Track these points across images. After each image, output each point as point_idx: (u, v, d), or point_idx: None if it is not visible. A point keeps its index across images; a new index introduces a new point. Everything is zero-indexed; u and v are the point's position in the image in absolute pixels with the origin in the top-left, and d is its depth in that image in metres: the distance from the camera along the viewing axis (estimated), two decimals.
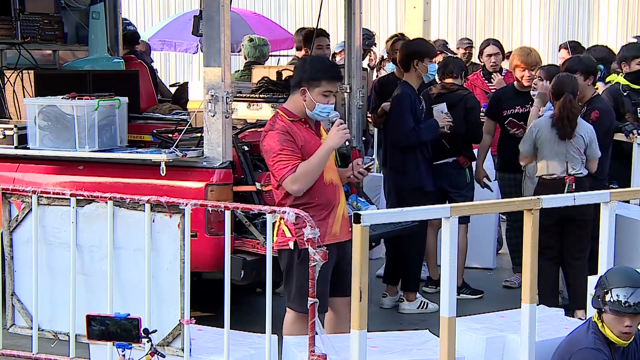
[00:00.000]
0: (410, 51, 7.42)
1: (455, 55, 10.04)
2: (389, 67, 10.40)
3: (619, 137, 7.65)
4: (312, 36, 8.69)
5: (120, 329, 4.14)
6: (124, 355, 4.18)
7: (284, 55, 15.11)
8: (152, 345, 4.32)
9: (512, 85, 8.21)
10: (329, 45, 8.97)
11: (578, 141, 6.93)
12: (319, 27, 8.66)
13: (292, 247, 5.22)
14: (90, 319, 4.18)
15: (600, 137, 7.09)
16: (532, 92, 7.65)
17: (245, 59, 9.31)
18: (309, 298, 4.71)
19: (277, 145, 5.19)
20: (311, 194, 5.25)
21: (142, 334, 4.18)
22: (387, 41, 8.87)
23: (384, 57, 10.96)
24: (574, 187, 6.85)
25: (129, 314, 4.20)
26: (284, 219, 5.10)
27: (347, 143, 5.25)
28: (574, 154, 6.93)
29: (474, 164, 7.99)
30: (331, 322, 5.49)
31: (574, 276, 7.05)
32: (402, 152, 7.37)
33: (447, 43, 12.33)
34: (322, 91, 5.27)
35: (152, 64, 11.19)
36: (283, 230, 5.26)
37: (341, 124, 5.23)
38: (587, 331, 4.52)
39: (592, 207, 6.33)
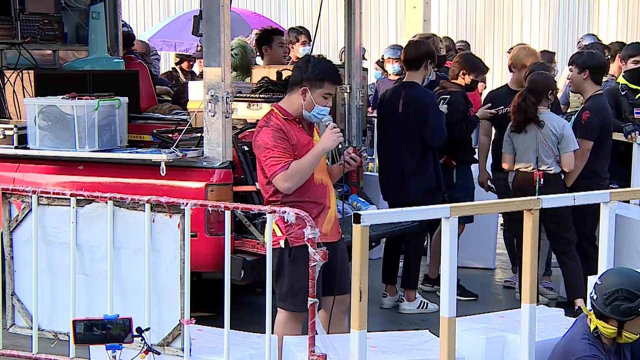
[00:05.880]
0: (427, 50, 7.44)
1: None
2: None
3: (619, 137, 7.66)
4: (268, 35, 8.70)
5: (110, 331, 4.12)
6: (114, 357, 4.17)
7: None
8: (145, 343, 4.32)
9: (506, 85, 8.25)
10: (284, 43, 8.93)
11: (547, 136, 7.08)
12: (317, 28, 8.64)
13: (283, 246, 5.23)
14: (75, 323, 4.14)
15: (592, 137, 7.17)
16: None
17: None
18: (309, 298, 4.70)
19: (270, 141, 5.20)
20: (301, 192, 5.27)
21: (135, 333, 4.17)
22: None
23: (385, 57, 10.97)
24: (542, 183, 7.06)
25: (118, 315, 4.20)
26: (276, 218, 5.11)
27: (339, 146, 5.28)
28: (544, 148, 7.10)
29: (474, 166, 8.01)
30: (320, 320, 5.49)
31: (568, 271, 7.24)
32: (423, 154, 7.34)
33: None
34: (324, 93, 5.29)
35: (158, 61, 11.18)
36: (274, 229, 5.26)
37: (334, 127, 5.25)
38: (581, 338, 4.49)
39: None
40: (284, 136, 5.22)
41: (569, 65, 7.62)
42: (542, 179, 7.08)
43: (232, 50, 8.44)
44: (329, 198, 5.39)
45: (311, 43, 8.89)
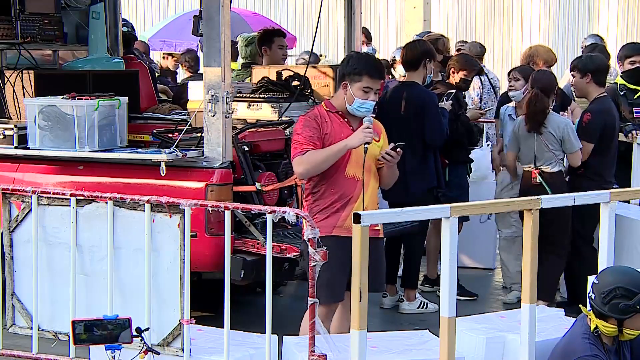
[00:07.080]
0: (424, 50, 7.44)
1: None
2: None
3: (619, 136, 7.65)
4: (268, 36, 8.68)
5: (109, 331, 4.12)
6: (114, 357, 4.17)
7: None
8: (145, 343, 4.32)
9: None
10: (285, 45, 8.90)
11: (547, 137, 7.14)
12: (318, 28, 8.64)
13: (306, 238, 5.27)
14: (75, 324, 4.12)
15: (592, 139, 7.18)
16: (509, 93, 7.85)
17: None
18: (309, 298, 4.71)
19: (300, 128, 5.39)
20: (328, 183, 5.38)
21: (135, 333, 4.17)
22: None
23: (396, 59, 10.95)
24: (538, 181, 7.15)
25: (117, 315, 4.20)
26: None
27: (365, 145, 5.28)
28: (543, 149, 7.16)
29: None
30: (345, 313, 5.49)
31: (546, 270, 6.92)
32: (423, 154, 7.33)
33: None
34: (363, 86, 5.36)
35: (152, 64, 11.19)
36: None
37: (368, 127, 5.28)
38: (581, 338, 4.49)
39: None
40: (315, 125, 5.35)
41: (570, 71, 7.61)
42: (539, 177, 7.13)
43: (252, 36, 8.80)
44: (358, 193, 5.39)
45: (371, 42, 8.85)
